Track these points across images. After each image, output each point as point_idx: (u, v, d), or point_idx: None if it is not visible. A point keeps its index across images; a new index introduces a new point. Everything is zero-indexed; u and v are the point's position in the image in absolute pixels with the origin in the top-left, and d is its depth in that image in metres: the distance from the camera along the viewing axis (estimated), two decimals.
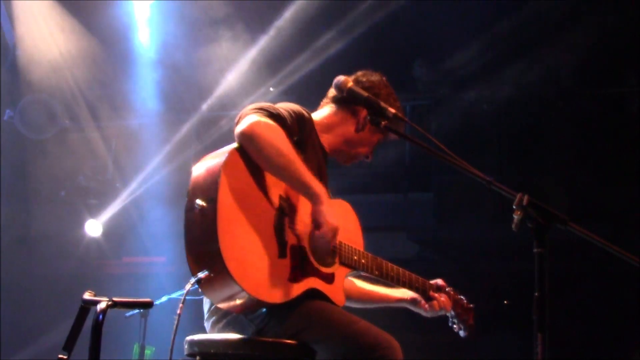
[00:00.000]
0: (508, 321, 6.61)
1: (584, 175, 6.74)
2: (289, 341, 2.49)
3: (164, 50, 7.57)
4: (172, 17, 7.39)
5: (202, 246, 2.35)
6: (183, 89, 7.62)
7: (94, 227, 7.82)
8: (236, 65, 7.26)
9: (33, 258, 7.80)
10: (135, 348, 6.19)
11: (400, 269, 2.90)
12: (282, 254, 2.46)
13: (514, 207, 2.03)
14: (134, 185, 7.87)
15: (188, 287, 2.33)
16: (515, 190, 2.09)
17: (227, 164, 2.38)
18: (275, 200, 2.50)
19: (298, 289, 2.49)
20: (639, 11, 6.39)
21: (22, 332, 7.44)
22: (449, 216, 7.48)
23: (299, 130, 2.61)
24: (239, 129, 2.43)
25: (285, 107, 2.63)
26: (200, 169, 2.44)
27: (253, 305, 2.44)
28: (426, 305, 2.98)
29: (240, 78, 7.27)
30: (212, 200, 2.32)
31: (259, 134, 2.39)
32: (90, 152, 7.94)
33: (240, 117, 2.50)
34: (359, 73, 2.90)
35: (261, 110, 2.50)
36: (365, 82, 2.82)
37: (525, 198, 2.02)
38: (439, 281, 3.04)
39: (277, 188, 2.51)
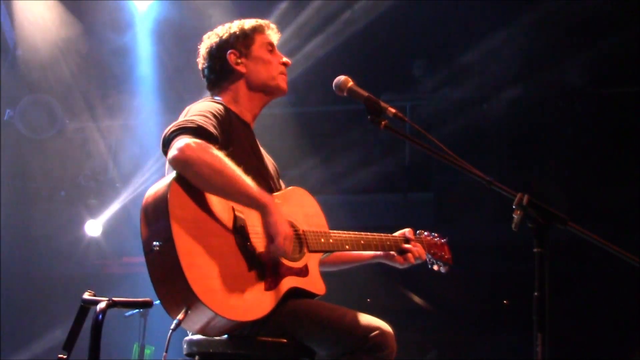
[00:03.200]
0: (508, 321, 6.62)
1: (584, 175, 6.73)
2: (287, 340, 2.48)
3: (165, 50, 7.58)
4: (172, 16, 7.39)
5: (172, 287, 2.30)
6: (183, 88, 7.62)
7: (94, 227, 7.82)
8: None
9: (33, 258, 7.79)
10: (135, 348, 6.20)
11: (369, 234, 2.89)
12: (251, 266, 2.43)
13: (514, 207, 2.03)
14: (134, 185, 7.87)
15: (170, 333, 2.29)
16: (515, 190, 2.09)
17: (171, 196, 2.32)
18: (230, 215, 2.45)
19: (277, 295, 2.47)
20: None
21: (22, 332, 7.44)
22: (449, 216, 7.48)
23: (222, 128, 2.55)
24: (170, 155, 2.37)
25: (200, 112, 2.55)
26: (147, 208, 2.40)
27: (236, 327, 2.43)
28: (400, 259, 2.99)
29: None
30: (167, 238, 2.28)
31: (192, 158, 2.33)
32: (90, 152, 7.94)
33: (164, 141, 2.45)
34: (208, 38, 2.89)
35: (183, 129, 2.43)
36: (215, 46, 2.83)
37: (525, 198, 2.02)
38: (407, 232, 3.05)
39: (228, 202, 2.46)
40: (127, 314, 6.20)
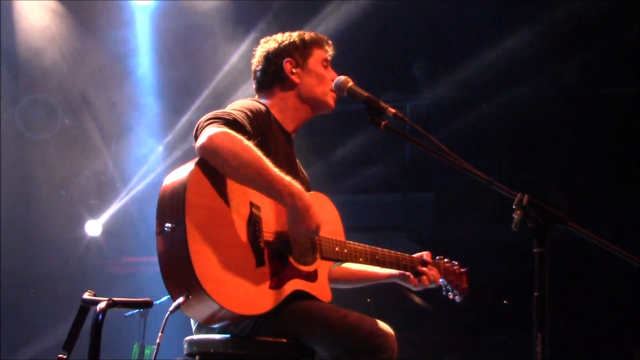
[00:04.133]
0: (508, 321, 6.62)
1: (584, 175, 6.73)
2: (287, 340, 2.49)
3: (165, 49, 7.57)
4: (173, 15, 7.39)
5: (177, 270, 2.31)
6: (183, 87, 7.62)
7: (94, 227, 7.82)
8: (233, 61, 7.23)
9: (33, 258, 7.79)
10: (135, 348, 6.20)
11: (385, 250, 2.88)
12: (259, 263, 2.42)
13: (514, 207, 2.03)
14: (133, 185, 7.87)
15: (167, 314, 2.30)
16: (515, 190, 2.09)
17: (190, 182, 2.33)
18: (246, 209, 2.45)
19: (281, 294, 2.47)
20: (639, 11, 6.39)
21: (22, 332, 7.44)
22: (449, 216, 7.48)
23: (258, 128, 2.56)
24: (199, 143, 2.37)
25: (241, 107, 2.57)
26: (165, 190, 2.40)
27: (237, 319, 2.43)
28: (415, 281, 2.98)
29: (239, 75, 7.25)
30: (180, 222, 2.29)
31: (220, 147, 2.33)
32: (90, 152, 7.94)
33: (197, 129, 2.46)
34: (266, 42, 2.90)
35: (218, 119, 2.44)
36: (272, 51, 2.84)
37: (525, 198, 2.02)
38: (425, 255, 3.04)
39: (246, 196, 2.46)
40: (127, 314, 6.20)
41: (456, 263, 3.15)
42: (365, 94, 2.59)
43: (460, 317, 6.92)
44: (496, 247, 6.87)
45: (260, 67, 2.86)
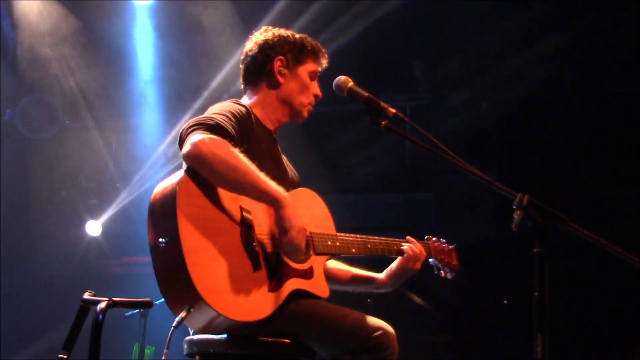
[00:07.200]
0: (508, 321, 6.62)
1: (584, 175, 6.73)
2: (288, 341, 2.49)
3: (165, 49, 7.57)
4: (173, 15, 7.39)
5: (175, 284, 2.31)
6: (184, 87, 7.62)
7: (94, 227, 7.82)
8: (234, 60, 7.23)
9: (33, 258, 7.79)
10: (135, 348, 6.20)
11: (376, 238, 2.88)
12: (256, 267, 2.43)
13: (514, 207, 2.03)
14: (134, 185, 7.87)
15: (172, 330, 2.30)
16: (515, 190, 2.09)
17: (180, 193, 2.33)
18: (237, 214, 2.45)
19: (281, 296, 2.48)
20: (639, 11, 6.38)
21: (22, 332, 7.44)
22: (449, 216, 7.47)
23: (241, 130, 2.56)
24: (184, 151, 2.38)
25: (222, 111, 2.57)
26: (155, 203, 2.41)
27: (241, 327, 2.43)
28: (404, 262, 2.93)
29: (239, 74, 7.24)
30: (174, 236, 2.29)
31: (206, 153, 2.34)
32: (90, 152, 7.93)
33: (181, 137, 2.46)
34: (266, 31, 2.88)
35: (201, 125, 2.44)
36: (270, 43, 2.82)
37: (525, 198, 2.02)
38: (408, 238, 3.01)
39: (236, 201, 2.46)
40: (127, 314, 6.20)
41: (444, 240, 3.17)
42: (365, 94, 2.59)
43: (460, 317, 6.91)
44: (496, 247, 6.86)
45: (252, 52, 2.85)
